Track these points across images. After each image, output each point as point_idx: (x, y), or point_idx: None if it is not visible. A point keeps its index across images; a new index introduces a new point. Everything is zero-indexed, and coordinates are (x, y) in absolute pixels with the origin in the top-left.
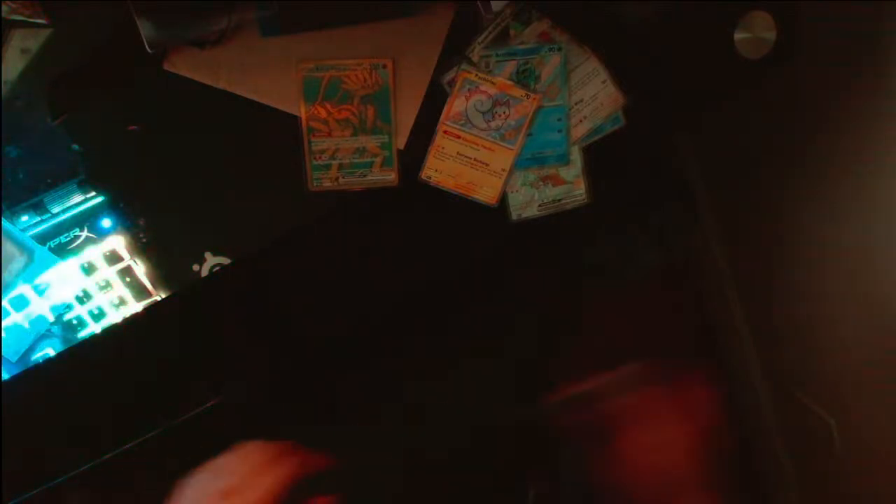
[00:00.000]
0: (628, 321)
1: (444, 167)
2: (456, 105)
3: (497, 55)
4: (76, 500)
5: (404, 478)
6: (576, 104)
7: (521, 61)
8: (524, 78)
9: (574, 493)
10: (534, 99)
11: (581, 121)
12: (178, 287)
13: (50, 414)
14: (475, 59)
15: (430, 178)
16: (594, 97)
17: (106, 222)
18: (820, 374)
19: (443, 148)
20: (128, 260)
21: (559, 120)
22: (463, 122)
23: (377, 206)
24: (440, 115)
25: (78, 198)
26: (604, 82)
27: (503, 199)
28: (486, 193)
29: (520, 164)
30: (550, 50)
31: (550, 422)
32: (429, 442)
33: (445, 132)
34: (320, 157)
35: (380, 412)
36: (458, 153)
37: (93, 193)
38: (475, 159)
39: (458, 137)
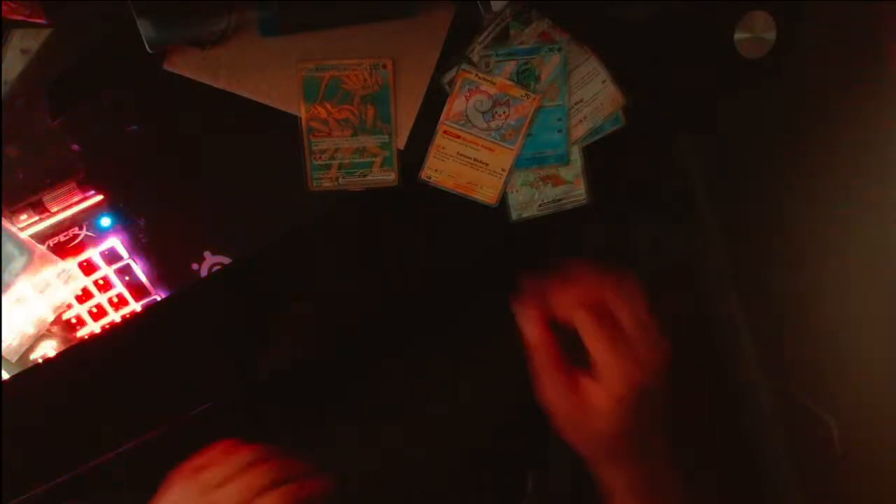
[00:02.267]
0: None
1: (444, 167)
2: (456, 105)
3: (497, 55)
4: None
5: (401, 473)
6: (576, 104)
7: (522, 61)
8: (524, 78)
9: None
10: (534, 99)
11: (581, 121)
12: (178, 286)
13: (50, 414)
14: (475, 59)
15: (430, 178)
16: (594, 97)
17: (105, 221)
18: (820, 374)
19: (443, 148)
20: (127, 259)
21: (559, 120)
22: (463, 122)
23: (377, 206)
24: (440, 115)
25: (77, 197)
26: (604, 82)
27: (503, 199)
28: (486, 193)
29: (520, 163)
30: (550, 50)
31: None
32: (427, 441)
33: (445, 132)
34: (320, 157)
35: (380, 411)
36: (458, 153)
37: (92, 192)
38: (475, 159)
39: (458, 137)
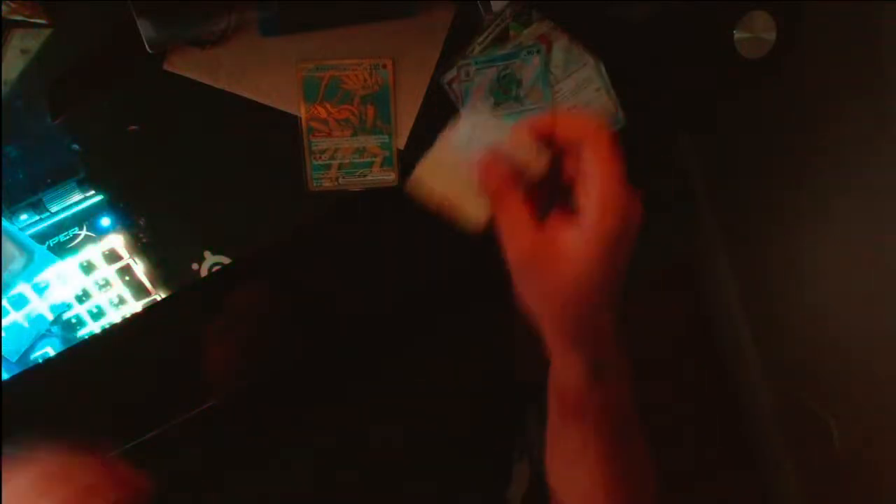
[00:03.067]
0: (627, 321)
1: (439, 172)
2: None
3: (476, 63)
4: None
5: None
6: (569, 109)
7: (501, 66)
8: (505, 84)
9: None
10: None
11: None
12: (178, 286)
13: (50, 414)
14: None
15: (418, 184)
16: (587, 105)
17: (105, 221)
18: (820, 374)
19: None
20: (127, 259)
21: None
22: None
23: (377, 206)
24: (440, 120)
25: (77, 196)
26: (597, 90)
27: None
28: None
29: None
30: (529, 53)
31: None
32: (426, 440)
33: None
34: (320, 157)
35: (380, 411)
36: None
37: (92, 192)
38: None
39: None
